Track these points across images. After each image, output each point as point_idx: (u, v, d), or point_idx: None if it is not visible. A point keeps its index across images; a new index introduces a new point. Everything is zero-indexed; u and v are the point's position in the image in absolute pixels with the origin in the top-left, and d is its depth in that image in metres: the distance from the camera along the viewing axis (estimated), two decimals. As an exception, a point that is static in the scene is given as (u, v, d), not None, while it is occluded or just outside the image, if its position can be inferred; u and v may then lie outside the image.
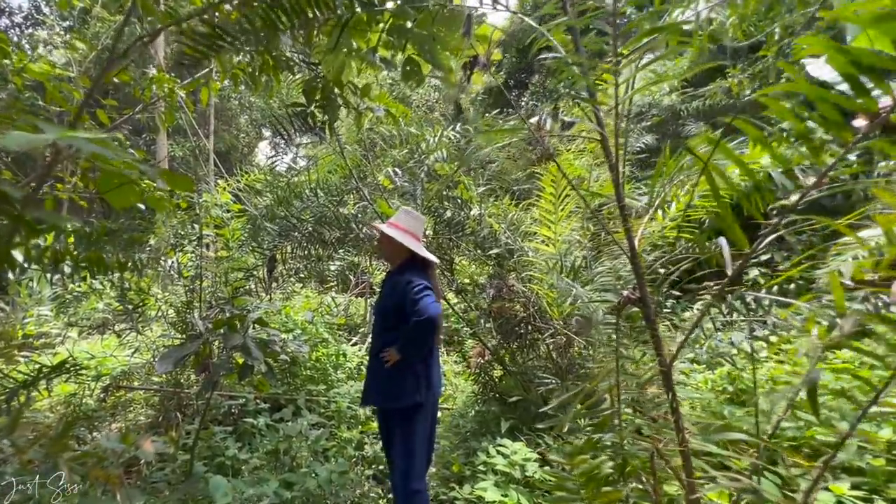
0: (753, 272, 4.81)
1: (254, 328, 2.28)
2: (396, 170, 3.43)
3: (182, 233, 3.83)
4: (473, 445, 2.84)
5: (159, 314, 3.76)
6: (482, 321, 3.48)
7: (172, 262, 3.83)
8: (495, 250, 2.83)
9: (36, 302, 5.78)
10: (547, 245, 2.59)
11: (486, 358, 3.48)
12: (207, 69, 3.04)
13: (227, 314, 2.80)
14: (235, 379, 2.24)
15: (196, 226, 3.90)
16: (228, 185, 4.46)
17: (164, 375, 3.42)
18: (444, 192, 3.08)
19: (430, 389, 2.00)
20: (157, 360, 1.68)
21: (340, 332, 5.10)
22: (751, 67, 4.61)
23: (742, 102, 5.40)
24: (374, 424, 3.31)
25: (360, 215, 3.76)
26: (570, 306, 2.82)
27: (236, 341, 1.85)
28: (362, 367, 4.49)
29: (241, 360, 1.97)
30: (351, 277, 5.49)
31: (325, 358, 4.20)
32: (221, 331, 1.99)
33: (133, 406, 3.84)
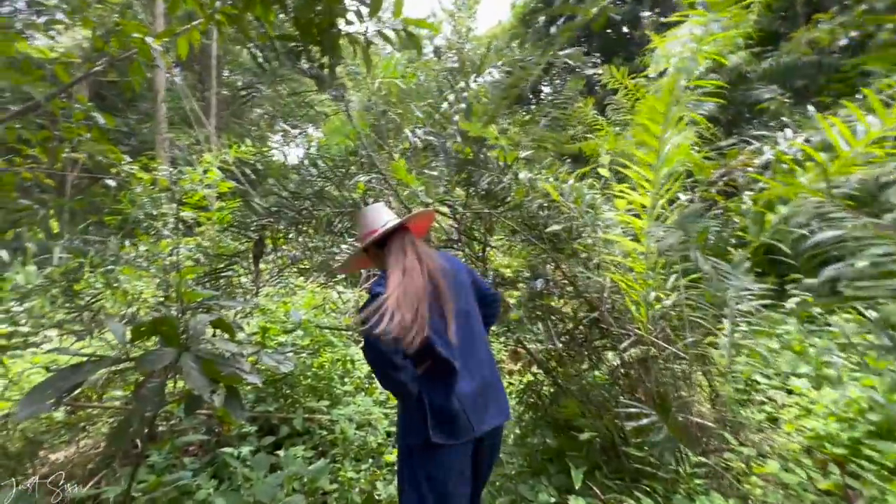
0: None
1: (215, 335, 1.56)
2: (417, 129, 2.67)
3: (155, 213, 3.13)
4: (524, 494, 2.08)
5: (130, 311, 3.08)
6: (524, 320, 2.71)
7: (145, 250, 3.14)
8: (555, 227, 2.05)
9: (23, 296, 5.20)
10: (638, 219, 1.80)
11: (530, 368, 2.71)
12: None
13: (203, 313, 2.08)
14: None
15: (174, 206, 3.20)
16: (217, 159, 3.75)
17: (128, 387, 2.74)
18: (481, 154, 2.31)
19: (451, 423, 1.35)
20: (21, 401, 0.96)
21: (349, 334, 4.39)
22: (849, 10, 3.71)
23: (830, 60, 4.49)
24: (390, 456, 2.58)
25: (370, 189, 3.01)
26: (658, 304, 2.03)
27: (164, 360, 1.11)
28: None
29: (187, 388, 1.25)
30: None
31: (329, 365, 3.47)
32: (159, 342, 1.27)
33: (98, 421, 3.18)
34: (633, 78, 4.61)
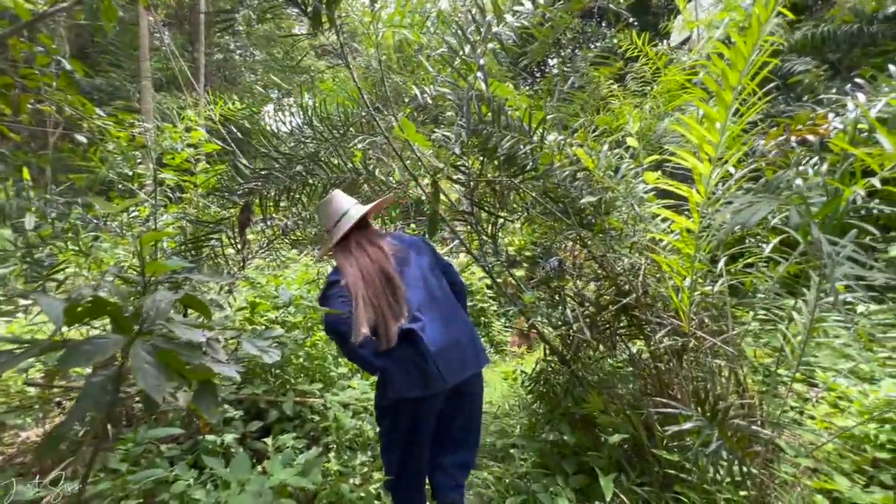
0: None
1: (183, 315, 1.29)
2: (426, 88, 2.34)
3: (130, 173, 2.81)
4: (538, 496, 1.87)
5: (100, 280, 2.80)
6: (539, 304, 2.46)
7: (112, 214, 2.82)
8: (589, 198, 1.77)
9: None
10: (691, 190, 1.52)
11: (546, 355, 2.48)
12: None
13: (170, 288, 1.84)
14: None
15: (151, 166, 2.88)
16: (203, 116, 3.41)
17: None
18: (502, 114, 2.01)
19: (394, 391, 1.52)
20: None
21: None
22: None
23: (870, 30, 4.13)
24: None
25: (370, 157, 2.70)
26: (703, 290, 1.78)
27: (104, 351, 0.84)
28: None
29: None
30: None
31: (323, 344, 3.23)
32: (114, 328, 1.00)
33: (73, 397, 2.94)
34: (654, 46, 4.25)
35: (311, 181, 2.48)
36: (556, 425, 2.20)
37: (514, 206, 2.62)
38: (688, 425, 1.49)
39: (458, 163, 2.16)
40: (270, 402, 2.69)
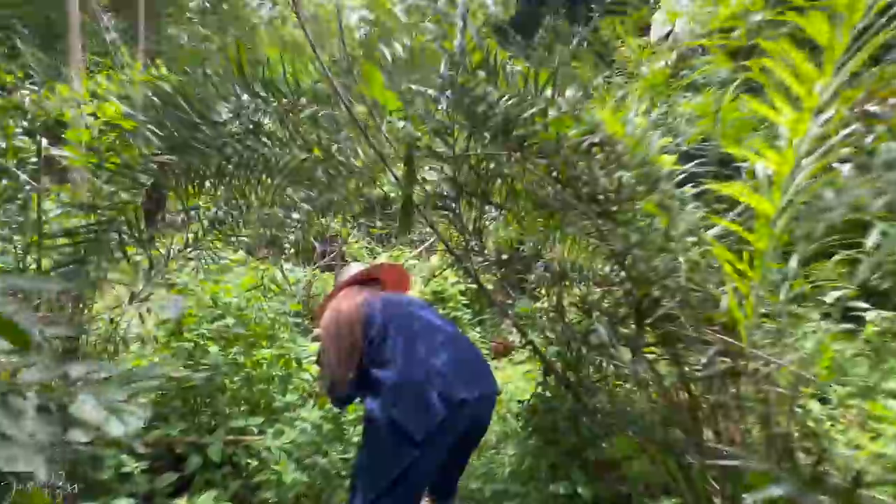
0: None
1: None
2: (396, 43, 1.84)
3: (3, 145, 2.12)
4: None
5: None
6: (539, 316, 2.00)
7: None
8: (624, 175, 1.31)
9: None
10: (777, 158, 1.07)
11: (545, 378, 2.01)
12: None
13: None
14: None
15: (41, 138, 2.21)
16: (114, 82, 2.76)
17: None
18: (497, 67, 1.53)
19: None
20: None
21: (300, 323, 3.53)
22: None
23: None
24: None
25: (329, 128, 2.16)
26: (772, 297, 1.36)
27: None
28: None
29: None
30: (315, 244, 3.84)
31: (267, 365, 2.63)
32: None
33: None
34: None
35: (245, 157, 1.90)
36: (561, 469, 1.72)
37: (499, 195, 2.14)
38: (775, 490, 1.04)
39: (442, 130, 1.67)
40: (192, 445, 2.07)
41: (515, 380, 3.21)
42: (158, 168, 1.76)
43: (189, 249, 2.31)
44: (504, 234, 2.39)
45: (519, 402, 2.17)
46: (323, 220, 3.52)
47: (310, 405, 2.49)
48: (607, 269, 1.80)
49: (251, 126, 1.98)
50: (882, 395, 2.05)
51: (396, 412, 1.27)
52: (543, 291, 2.16)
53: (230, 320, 2.75)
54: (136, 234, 1.75)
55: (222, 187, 2.22)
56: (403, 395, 1.29)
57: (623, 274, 1.60)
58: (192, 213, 2.18)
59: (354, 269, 1.80)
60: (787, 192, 1.10)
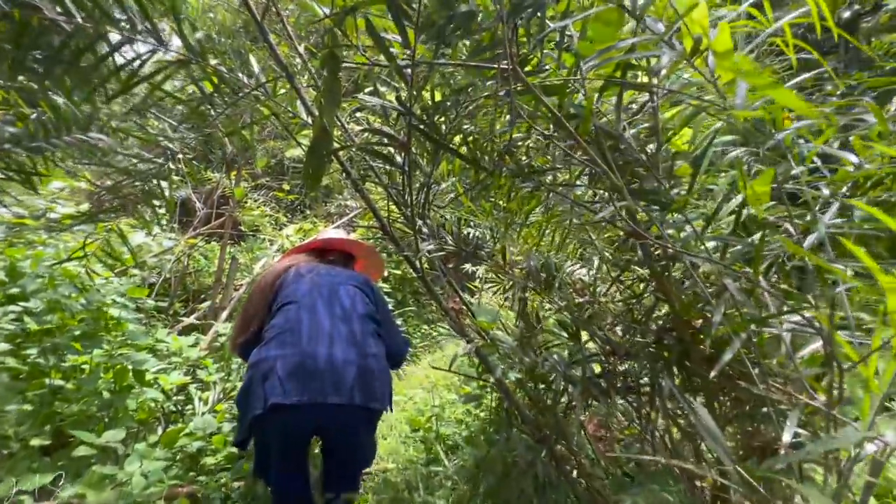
0: None
1: None
2: None
3: None
4: None
5: None
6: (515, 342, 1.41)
7: None
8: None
9: None
10: None
11: (509, 422, 1.44)
12: None
13: None
14: None
15: None
16: None
17: None
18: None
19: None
20: None
21: (155, 311, 2.57)
22: None
23: None
24: None
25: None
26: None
27: None
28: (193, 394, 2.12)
29: None
30: (198, 204, 2.75)
31: (90, 371, 1.74)
32: None
33: None
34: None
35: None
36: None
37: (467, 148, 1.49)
38: None
39: (404, 64, 0.96)
40: None
41: (449, 393, 2.64)
42: None
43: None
44: (455, 211, 1.75)
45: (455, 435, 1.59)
46: (204, 169, 2.56)
47: (151, 441, 1.66)
48: (613, 275, 1.25)
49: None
50: None
51: (239, 393, 1.31)
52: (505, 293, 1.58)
53: (32, 304, 1.82)
54: None
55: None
56: (246, 380, 1.31)
57: (652, 287, 1.05)
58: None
59: (331, 233, 1.81)
60: None
